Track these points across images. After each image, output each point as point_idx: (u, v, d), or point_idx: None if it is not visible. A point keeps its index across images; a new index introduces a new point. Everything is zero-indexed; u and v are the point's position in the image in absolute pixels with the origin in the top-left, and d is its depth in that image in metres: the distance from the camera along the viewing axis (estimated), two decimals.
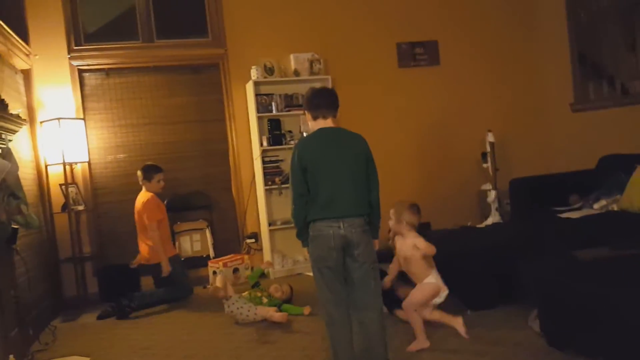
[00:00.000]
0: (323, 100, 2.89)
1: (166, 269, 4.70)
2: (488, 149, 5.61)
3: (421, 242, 3.24)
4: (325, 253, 2.71)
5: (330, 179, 2.72)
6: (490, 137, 5.61)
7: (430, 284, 3.29)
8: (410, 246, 3.28)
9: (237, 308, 4.01)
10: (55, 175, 5.02)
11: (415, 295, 3.27)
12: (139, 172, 4.90)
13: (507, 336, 3.23)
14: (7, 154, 3.19)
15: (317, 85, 5.75)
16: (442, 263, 4.14)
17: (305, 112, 2.94)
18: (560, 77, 6.18)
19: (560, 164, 5.86)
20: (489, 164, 5.61)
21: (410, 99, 6.12)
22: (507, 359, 2.90)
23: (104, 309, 4.59)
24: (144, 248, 4.85)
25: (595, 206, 4.61)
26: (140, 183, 4.88)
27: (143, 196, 4.84)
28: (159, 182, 4.90)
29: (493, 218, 5.46)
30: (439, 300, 3.32)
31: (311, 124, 2.90)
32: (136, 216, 4.87)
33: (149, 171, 4.89)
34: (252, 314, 4.00)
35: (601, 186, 4.79)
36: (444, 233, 4.66)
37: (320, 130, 2.86)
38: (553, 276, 2.94)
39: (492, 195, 5.54)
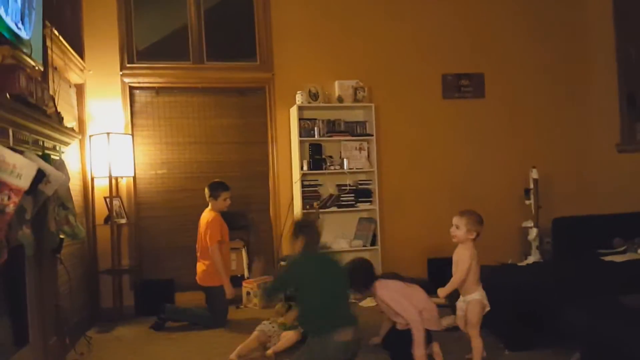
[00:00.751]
0: None
1: (229, 290, 4.64)
2: (531, 185, 5.51)
3: (474, 255, 3.37)
4: None
5: None
6: (534, 174, 5.52)
7: (476, 301, 3.33)
8: (469, 256, 3.36)
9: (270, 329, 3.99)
10: (101, 188, 5.15)
11: (471, 318, 3.32)
12: (206, 189, 4.81)
13: None
14: (60, 166, 3.30)
15: (361, 112, 5.81)
16: None
17: None
18: (608, 116, 6.06)
19: (604, 205, 5.71)
20: (532, 201, 5.50)
21: (453, 131, 6.09)
22: None
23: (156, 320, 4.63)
24: (200, 268, 4.78)
25: None
26: (208, 200, 4.82)
27: (208, 215, 4.76)
28: (225, 201, 4.78)
29: (534, 257, 5.34)
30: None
31: None
32: (199, 235, 4.81)
33: (216, 189, 4.78)
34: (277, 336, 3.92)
35: None
36: (484, 270, 4.56)
37: None
38: (598, 321, 2.85)
39: (533, 233, 5.43)
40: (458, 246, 3.44)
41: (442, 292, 3.38)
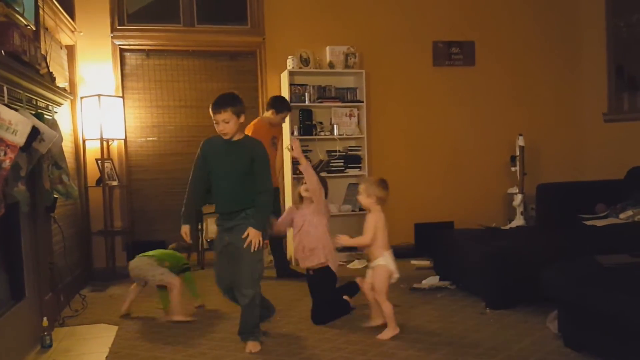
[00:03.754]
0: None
1: None
2: (517, 152, 5.62)
3: (379, 220, 3.37)
4: None
5: None
6: (520, 141, 5.62)
7: (381, 266, 3.37)
8: (373, 221, 3.39)
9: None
10: (92, 150, 5.19)
11: (377, 283, 3.35)
12: (269, 100, 5.06)
13: (524, 335, 3.28)
14: (53, 125, 3.33)
15: (351, 78, 5.85)
16: (464, 262, 4.24)
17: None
18: (596, 86, 6.15)
19: (589, 172, 5.85)
20: (518, 167, 5.62)
21: (442, 98, 6.15)
22: (524, 357, 2.94)
23: None
24: None
25: (621, 216, 4.60)
26: (266, 110, 5.06)
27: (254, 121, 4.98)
28: (284, 120, 5.09)
29: (517, 221, 5.48)
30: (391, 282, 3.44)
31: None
32: None
33: (283, 106, 4.99)
34: (159, 275, 3.83)
35: (628, 197, 4.78)
36: (468, 232, 4.71)
37: None
38: (574, 279, 2.98)
39: (518, 198, 5.55)
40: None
41: (344, 239, 3.46)
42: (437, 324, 3.56)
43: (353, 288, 3.83)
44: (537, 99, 6.35)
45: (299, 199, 3.83)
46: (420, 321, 3.63)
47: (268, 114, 4.98)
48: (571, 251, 3.74)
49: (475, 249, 4.13)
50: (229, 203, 3.21)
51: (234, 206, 3.19)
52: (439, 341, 3.24)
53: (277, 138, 5.09)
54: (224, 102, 3.17)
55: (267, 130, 4.88)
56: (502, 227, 5.25)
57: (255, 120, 4.97)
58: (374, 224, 3.37)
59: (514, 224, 5.46)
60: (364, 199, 3.42)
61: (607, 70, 6.02)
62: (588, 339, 2.91)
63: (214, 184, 3.26)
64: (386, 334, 3.29)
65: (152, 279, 3.84)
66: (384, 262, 3.37)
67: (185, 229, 3.30)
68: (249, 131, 4.83)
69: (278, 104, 4.96)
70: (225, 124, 3.13)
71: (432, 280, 4.47)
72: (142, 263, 3.88)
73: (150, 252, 3.97)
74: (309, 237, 3.70)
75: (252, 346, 3.18)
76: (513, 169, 5.68)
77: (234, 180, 3.18)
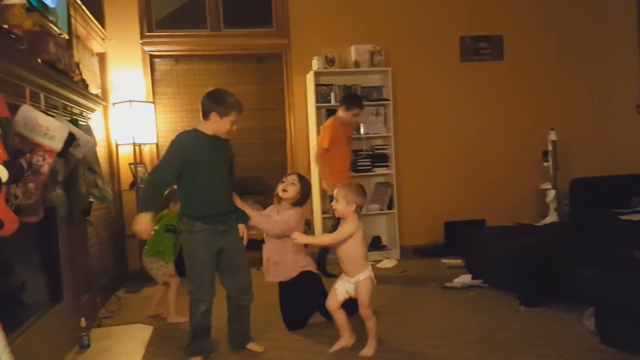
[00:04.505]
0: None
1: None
2: (550, 147, 5.53)
3: (358, 230, 3.07)
4: None
5: None
6: (552, 136, 5.53)
7: (367, 279, 3.08)
8: (349, 230, 3.07)
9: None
10: (125, 155, 5.30)
11: (364, 298, 3.05)
12: (342, 100, 5.15)
13: (558, 332, 3.23)
14: (87, 131, 3.41)
15: (377, 77, 5.84)
16: (496, 259, 4.19)
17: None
18: (628, 78, 6.02)
19: (623, 166, 5.72)
20: (550, 163, 5.53)
21: (471, 93, 6.09)
22: (560, 355, 2.90)
23: None
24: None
25: None
26: (338, 107, 5.11)
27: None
28: (355, 117, 5.09)
29: (551, 217, 5.40)
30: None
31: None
32: None
33: (354, 103, 5.01)
34: (161, 276, 3.99)
35: None
36: (501, 229, 4.66)
37: None
38: (610, 275, 2.93)
39: (551, 194, 5.47)
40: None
41: (300, 237, 3.12)
42: (469, 322, 3.53)
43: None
44: (567, 92, 6.24)
45: (277, 199, 3.58)
46: (452, 319, 3.61)
47: (340, 112, 5.00)
48: (606, 246, 3.67)
49: (507, 245, 4.08)
50: (224, 204, 3.08)
51: (229, 207, 3.10)
52: (471, 339, 3.21)
53: (351, 138, 5.15)
54: None
55: (342, 130, 4.92)
56: (536, 224, 5.18)
57: (329, 121, 4.99)
58: (349, 233, 3.05)
59: (547, 220, 5.37)
60: (342, 207, 3.05)
61: (639, 61, 5.88)
62: (625, 335, 2.84)
63: (200, 184, 2.99)
64: (369, 350, 3.05)
65: (158, 279, 4.03)
66: (369, 274, 3.09)
67: (148, 217, 2.91)
68: (324, 132, 4.88)
69: (347, 101, 4.99)
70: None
71: (465, 279, 4.43)
72: (147, 264, 4.03)
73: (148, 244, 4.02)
74: (276, 249, 3.55)
75: (257, 346, 3.23)
76: (545, 164, 5.59)
77: (226, 180, 3.10)
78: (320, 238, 3.22)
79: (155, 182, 3.03)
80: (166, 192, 3.66)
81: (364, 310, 3.07)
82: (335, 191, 3.11)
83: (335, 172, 4.87)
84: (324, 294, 3.30)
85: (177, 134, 3.10)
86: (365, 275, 3.07)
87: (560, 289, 3.70)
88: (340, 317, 3.16)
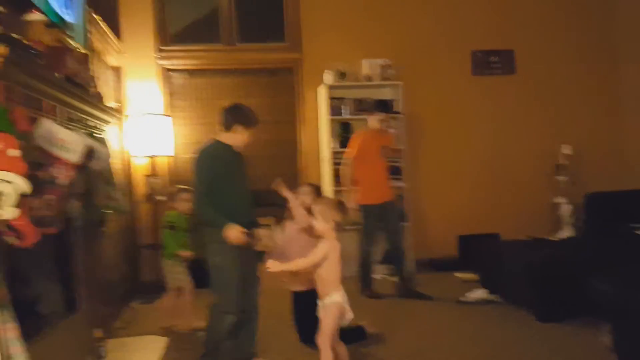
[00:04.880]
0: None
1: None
2: (561, 161, 5.50)
3: (334, 250, 2.84)
4: None
5: None
6: (565, 150, 5.50)
7: (336, 304, 2.81)
8: (325, 249, 2.83)
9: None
10: (140, 167, 5.35)
11: (325, 324, 2.78)
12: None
13: (574, 348, 3.20)
14: (103, 143, 3.46)
15: (388, 90, 5.86)
16: (511, 273, 4.16)
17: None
18: (638, 91, 5.98)
19: (637, 181, 5.67)
20: (564, 177, 5.49)
21: (483, 107, 6.09)
22: None
23: None
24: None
25: None
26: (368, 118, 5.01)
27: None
28: (382, 122, 4.92)
29: (566, 232, 5.36)
30: (344, 323, 2.88)
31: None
32: None
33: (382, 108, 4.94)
34: (172, 280, 4.11)
35: None
36: (517, 244, 4.63)
37: None
38: (628, 291, 2.90)
39: (567, 208, 5.43)
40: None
41: (274, 265, 2.83)
42: (482, 337, 3.51)
43: (359, 333, 3.50)
44: (578, 106, 6.21)
45: (289, 214, 3.53)
46: (466, 333, 3.59)
47: (368, 121, 4.93)
48: (623, 261, 3.64)
49: (522, 260, 4.06)
50: (249, 213, 3.15)
51: (252, 216, 3.16)
52: (484, 354, 3.19)
53: (386, 147, 4.84)
54: None
55: (372, 139, 4.77)
56: (551, 238, 5.14)
57: (360, 132, 4.96)
58: (325, 253, 2.81)
59: (563, 234, 5.33)
60: (319, 225, 2.84)
61: None
62: None
63: (229, 195, 3.03)
64: None
65: (171, 283, 4.09)
66: (341, 299, 2.82)
67: (230, 226, 2.92)
68: (351, 140, 4.85)
69: (373, 107, 4.96)
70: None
71: (480, 294, 4.39)
72: (166, 266, 4.11)
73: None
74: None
75: None
76: (558, 178, 5.56)
77: (248, 190, 3.20)
78: (295, 263, 2.90)
79: (205, 206, 3.06)
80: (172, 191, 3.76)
81: (321, 337, 2.75)
82: (312, 208, 2.94)
83: (368, 186, 4.68)
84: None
85: (200, 151, 3.17)
86: (332, 300, 2.81)
87: (576, 304, 3.67)
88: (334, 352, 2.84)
